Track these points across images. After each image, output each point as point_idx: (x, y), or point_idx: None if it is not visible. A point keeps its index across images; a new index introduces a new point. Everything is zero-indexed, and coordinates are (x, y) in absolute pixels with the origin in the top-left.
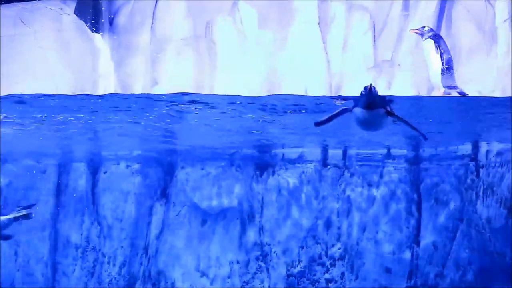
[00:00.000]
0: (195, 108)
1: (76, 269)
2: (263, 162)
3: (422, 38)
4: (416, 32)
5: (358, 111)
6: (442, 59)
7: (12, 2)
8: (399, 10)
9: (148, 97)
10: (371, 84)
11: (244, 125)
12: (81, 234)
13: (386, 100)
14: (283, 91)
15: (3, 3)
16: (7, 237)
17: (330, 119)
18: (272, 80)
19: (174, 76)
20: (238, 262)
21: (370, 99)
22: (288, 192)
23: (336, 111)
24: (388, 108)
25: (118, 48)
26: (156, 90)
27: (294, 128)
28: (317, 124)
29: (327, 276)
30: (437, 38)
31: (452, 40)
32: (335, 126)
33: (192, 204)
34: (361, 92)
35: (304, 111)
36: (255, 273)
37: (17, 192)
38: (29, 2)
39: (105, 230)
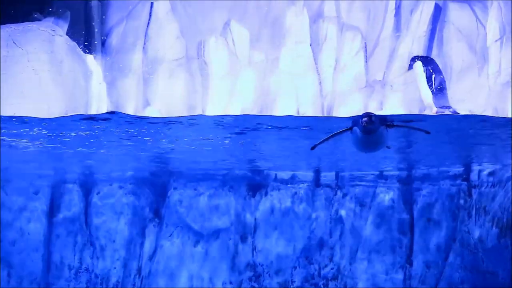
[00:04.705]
0: (188, 129)
1: None
2: (255, 183)
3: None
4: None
5: (359, 134)
6: (434, 80)
7: (6, 24)
8: (391, 30)
9: (140, 118)
10: (369, 114)
11: (236, 145)
12: (74, 255)
13: (384, 117)
14: (275, 111)
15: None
16: None
17: (325, 141)
18: (264, 100)
19: (167, 97)
20: (231, 283)
21: (371, 127)
22: (280, 212)
23: (331, 134)
24: (388, 122)
25: (111, 69)
26: (149, 111)
27: (287, 149)
28: (313, 147)
29: None
30: (427, 59)
31: (444, 60)
32: (329, 149)
33: (185, 225)
34: (360, 116)
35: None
36: None
37: (9, 213)
38: (22, 23)
39: (98, 251)
